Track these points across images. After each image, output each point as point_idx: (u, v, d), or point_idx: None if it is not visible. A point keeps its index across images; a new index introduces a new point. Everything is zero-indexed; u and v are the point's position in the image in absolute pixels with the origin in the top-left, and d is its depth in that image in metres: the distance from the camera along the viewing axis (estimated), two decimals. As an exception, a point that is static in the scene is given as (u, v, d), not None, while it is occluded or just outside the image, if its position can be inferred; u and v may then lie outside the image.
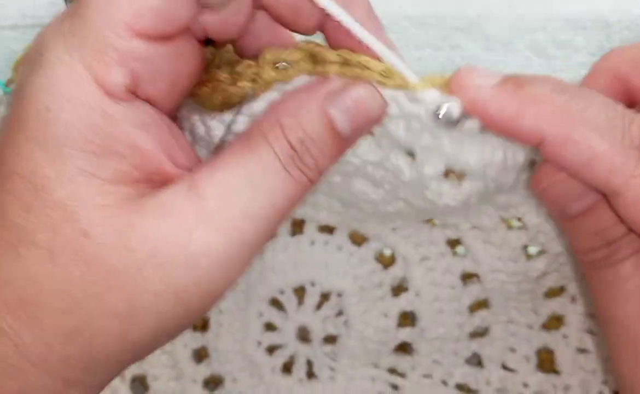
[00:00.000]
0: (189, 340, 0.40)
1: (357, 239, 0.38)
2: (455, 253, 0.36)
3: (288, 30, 0.27)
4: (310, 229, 0.37)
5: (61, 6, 0.38)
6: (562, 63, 0.46)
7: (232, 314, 0.39)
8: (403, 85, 0.24)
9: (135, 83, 0.24)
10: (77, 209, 0.22)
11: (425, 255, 0.37)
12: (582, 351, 0.36)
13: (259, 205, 0.24)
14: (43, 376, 0.23)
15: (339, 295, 0.38)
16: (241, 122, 0.26)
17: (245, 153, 0.24)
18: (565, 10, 0.46)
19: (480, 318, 0.37)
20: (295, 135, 0.24)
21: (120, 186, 0.23)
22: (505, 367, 0.37)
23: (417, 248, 0.36)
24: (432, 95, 0.24)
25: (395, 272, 0.37)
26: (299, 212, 0.36)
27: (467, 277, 0.36)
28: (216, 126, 0.26)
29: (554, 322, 0.36)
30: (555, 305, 0.36)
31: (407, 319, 0.38)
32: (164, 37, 0.24)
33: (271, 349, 0.40)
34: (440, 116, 0.24)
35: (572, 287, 0.35)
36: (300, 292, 0.39)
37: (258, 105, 0.25)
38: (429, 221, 0.36)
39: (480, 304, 0.37)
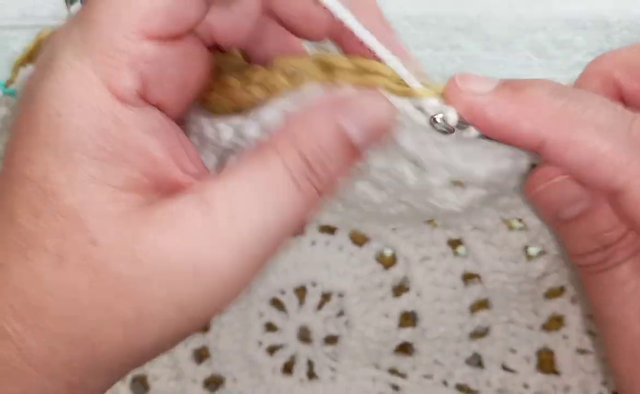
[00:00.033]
0: (189, 340, 0.40)
1: (358, 240, 0.38)
2: (456, 253, 0.36)
3: (297, 39, 0.27)
4: (311, 230, 0.37)
5: (61, 6, 0.38)
6: (562, 63, 0.46)
7: (232, 314, 0.39)
8: (411, 93, 0.24)
9: (145, 87, 0.23)
10: (87, 216, 0.22)
11: (426, 255, 0.37)
12: (582, 351, 0.36)
13: (268, 221, 0.23)
14: (45, 380, 0.23)
15: (340, 295, 0.38)
16: (251, 126, 0.26)
17: (256, 167, 0.24)
18: (565, 10, 0.46)
19: (481, 318, 0.37)
20: (307, 147, 0.24)
21: (131, 193, 0.23)
22: (505, 368, 0.37)
23: (418, 248, 0.37)
24: (431, 104, 0.24)
25: (397, 272, 0.37)
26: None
27: (468, 278, 0.37)
28: (225, 128, 0.26)
29: (554, 323, 0.36)
30: (555, 306, 0.36)
31: (408, 319, 0.38)
32: (173, 38, 0.24)
33: (272, 350, 0.40)
34: (436, 124, 0.24)
35: (572, 288, 0.35)
36: (301, 292, 0.39)
37: (268, 111, 0.25)
38: (430, 222, 0.36)
39: (481, 305, 0.37)
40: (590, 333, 0.35)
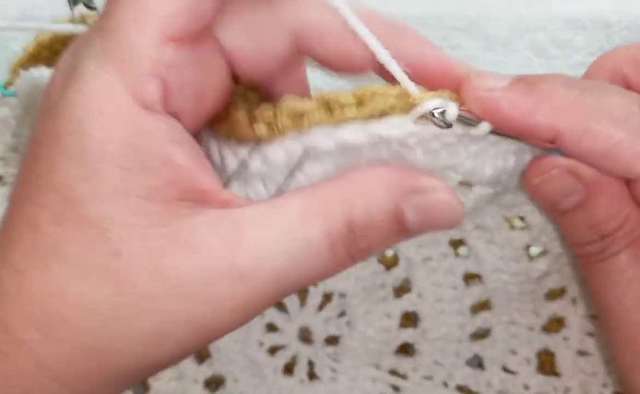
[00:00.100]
0: (190, 340, 0.40)
1: (359, 240, 0.38)
2: (457, 254, 0.36)
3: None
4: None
5: (61, 6, 0.38)
6: (562, 63, 0.46)
7: (233, 314, 0.39)
8: (415, 103, 0.24)
9: (166, 95, 0.23)
10: (111, 227, 0.22)
11: (427, 256, 0.37)
12: (582, 353, 0.36)
13: (292, 278, 0.23)
14: (57, 388, 0.23)
15: (342, 296, 0.38)
16: (256, 160, 0.26)
17: (296, 220, 0.23)
18: (565, 10, 0.46)
19: (482, 319, 0.37)
20: (358, 216, 0.23)
21: (155, 204, 0.22)
22: (506, 369, 0.37)
23: (419, 249, 0.37)
24: (433, 102, 0.24)
25: (398, 273, 0.37)
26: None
27: (470, 278, 0.37)
28: (231, 158, 0.26)
29: (555, 324, 0.36)
30: (556, 307, 0.36)
31: (410, 319, 0.38)
32: (191, 40, 0.23)
33: (273, 350, 0.40)
34: (434, 118, 0.24)
35: (573, 290, 0.35)
36: (302, 293, 0.39)
37: (273, 150, 0.25)
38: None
39: (482, 305, 0.37)
40: (591, 335, 0.35)
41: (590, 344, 0.36)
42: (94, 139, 0.22)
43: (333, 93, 0.25)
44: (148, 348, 0.23)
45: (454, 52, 0.47)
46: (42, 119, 0.24)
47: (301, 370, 0.40)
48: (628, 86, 0.27)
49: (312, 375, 0.40)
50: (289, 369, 0.40)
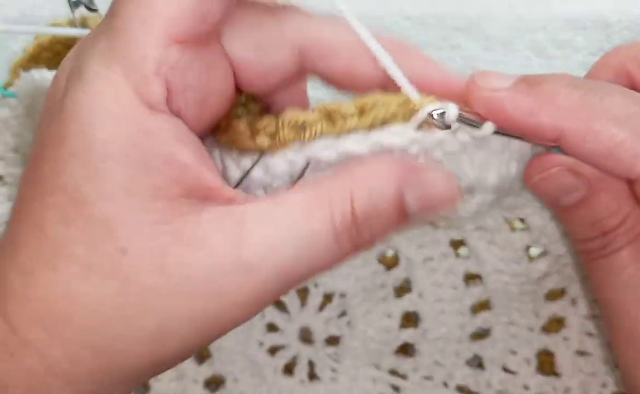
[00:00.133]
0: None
1: (360, 241, 0.38)
2: (457, 254, 0.36)
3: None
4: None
5: (61, 6, 0.38)
6: (562, 63, 0.46)
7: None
8: (416, 109, 0.24)
9: (170, 95, 0.23)
10: (117, 226, 0.22)
11: (428, 256, 0.37)
12: (582, 353, 0.36)
13: (297, 271, 0.23)
14: (66, 388, 0.23)
15: (342, 296, 0.38)
16: (258, 171, 0.26)
17: (301, 211, 0.23)
18: (565, 10, 0.47)
19: (482, 319, 0.37)
20: (361, 203, 0.23)
21: (161, 202, 0.23)
22: (505, 369, 0.38)
23: (420, 249, 0.37)
24: (432, 106, 0.24)
25: (398, 273, 0.38)
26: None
27: (470, 279, 0.37)
28: (233, 168, 0.26)
29: (555, 324, 0.36)
30: (555, 307, 0.36)
31: (410, 320, 0.38)
32: (197, 42, 0.23)
33: (273, 350, 0.40)
34: (433, 120, 0.24)
35: (573, 290, 0.35)
36: (303, 293, 0.39)
37: (275, 161, 0.25)
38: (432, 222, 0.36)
39: (482, 306, 0.37)
40: (591, 335, 0.36)
41: (589, 345, 0.36)
42: (98, 140, 0.22)
43: (335, 103, 0.25)
44: (151, 346, 0.23)
45: (454, 52, 0.47)
46: (46, 120, 0.24)
47: (301, 370, 0.40)
48: (632, 84, 0.28)
49: (312, 375, 0.40)
50: (289, 369, 0.40)
